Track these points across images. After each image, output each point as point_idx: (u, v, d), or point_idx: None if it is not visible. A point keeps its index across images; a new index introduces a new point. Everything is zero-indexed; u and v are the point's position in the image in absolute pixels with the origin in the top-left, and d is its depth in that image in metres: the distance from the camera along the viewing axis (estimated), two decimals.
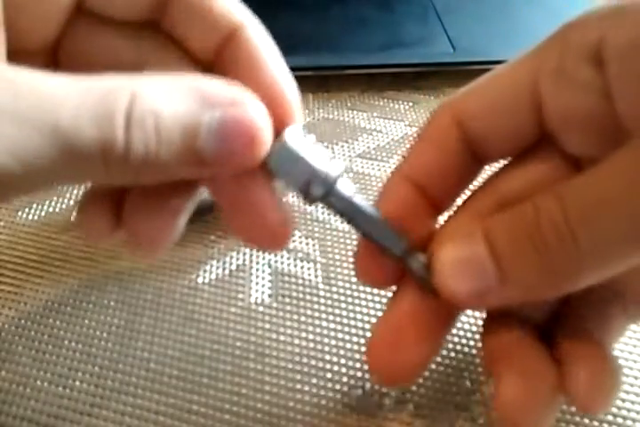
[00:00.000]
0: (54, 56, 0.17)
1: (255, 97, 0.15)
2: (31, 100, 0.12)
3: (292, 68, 0.38)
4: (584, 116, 0.15)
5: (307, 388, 0.22)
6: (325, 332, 0.24)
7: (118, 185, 0.17)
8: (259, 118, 0.14)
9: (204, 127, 0.14)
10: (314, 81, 0.36)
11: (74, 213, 0.25)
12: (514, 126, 0.17)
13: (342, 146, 0.33)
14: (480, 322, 0.24)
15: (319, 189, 0.16)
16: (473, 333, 0.24)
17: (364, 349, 0.23)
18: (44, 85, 0.12)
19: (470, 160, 0.18)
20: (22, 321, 0.24)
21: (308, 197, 0.16)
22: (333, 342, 0.23)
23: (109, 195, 0.17)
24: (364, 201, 0.17)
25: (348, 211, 0.16)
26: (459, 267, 0.15)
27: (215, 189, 0.17)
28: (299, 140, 0.16)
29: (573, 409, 0.21)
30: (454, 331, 0.24)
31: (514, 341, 0.17)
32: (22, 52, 0.15)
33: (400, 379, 0.17)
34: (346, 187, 0.16)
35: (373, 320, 0.24)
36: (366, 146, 0.33)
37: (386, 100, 0.36)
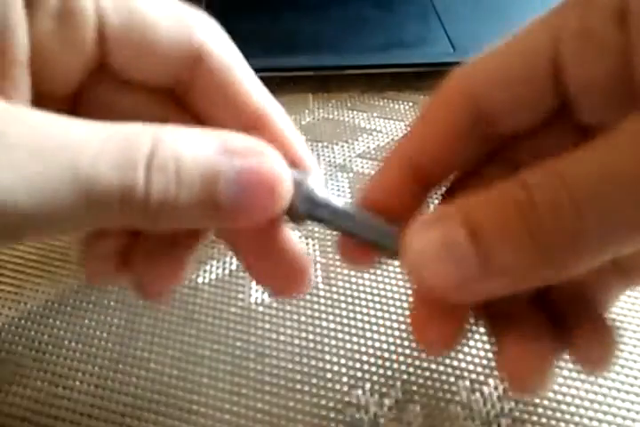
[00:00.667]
0: (74, 104, 0.17)
1: (273, 148, 0.15)
2: (54, 142, 0.12)
3: (293, 69, 0.38)
4: (606, 79, 0.14)
5: (307, 388, 0.22)
6: (325, 332, 0.24)
7: (133, 229, 0.16)
8: (278, 169, 0.14)
9: (224, 175, 0.14)
10: (314, 81, 0.36)
11: (75, 250, 0.23)
12: (531, 96, 0.15)
13: (342, 146, 0.33)
14: None
15: (304, 206, 0.16)
16: (472, 333, 0.24)
17: (364, 348, 0.23)
18: (68, 129, 0.13)
19: (478, 140, 0.16)
20: (22, 321, 0.24)
21: (295, 218, 0.16)
22: (333, 342, 0.23)
23: (117, 236, 0.17)
24: (344, 204, 0.16)
25: (335, 219, 0.16)
26: (432, 254, 0.13)
27: (235, 241, 0.17)
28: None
29: (573, 409, 0.21)
30: None
31: (513, 306, 0.17)
32: (45, 96, 0.15)
33: (441, 347, 0.17)
34: (323, 194, 0.16)
35: (373, 320, 0.24)
36: (366, 146, 0.33)
37: (386, 101, 0.36)
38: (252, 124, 0.17)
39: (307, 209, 0.16)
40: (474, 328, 0.24)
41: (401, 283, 0.25)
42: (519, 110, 0.16)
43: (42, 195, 0.12)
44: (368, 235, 0.16)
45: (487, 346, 0.23)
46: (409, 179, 0.16)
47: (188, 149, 0.14)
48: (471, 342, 0.23)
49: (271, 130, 0.17)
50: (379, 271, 0.26)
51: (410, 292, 0.25)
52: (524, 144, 0.16)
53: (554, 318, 0.17)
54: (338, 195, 0.29)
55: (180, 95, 0.17)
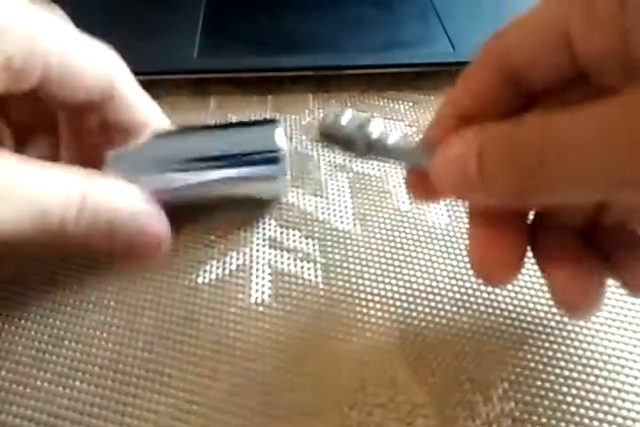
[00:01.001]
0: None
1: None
2: (20, 189, 0.19)
3: (292, 69, 0.38)
4: (608, 52, 0.16)
5: (307, 388, 0.22)
6: (325, 332, 0.24)
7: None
8: (163, 232, 0.23)
9: (127, 230, 0.22)
10: (314, 81, 0.36)
11: None
12: (552, 61, 0.17)
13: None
14: (476, 322, 0.24)
15: (363, 144, 0.21)
16: (473, 333, 0.24)
17: (364, 349, 0.23)
18: (33, 180, 0.19)
19: (512, 94, 0.19)
20: (22, 321, 0.24)
21: (358, 153, 0.21)
22: (333, 343, 0.23)
23: None
24: (398, 138, 0.21)
25: (388, 152, 0.21)
26: (446, 162, 0.17)
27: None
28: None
29: (573, 409, 0.21)
30: (453, 331, 0.24)
31: (561, 242, 0.19)
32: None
33: (499, 279, 0.20)
34: (380, 131, 0.21)
35: (373, 320, 0.24)
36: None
37: (386, 101, 0.36)
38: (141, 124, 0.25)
39: (366, 146, 0.21)
40: (474, 328, 0.24)
41: (401, 283, 0.25)
42: (543, 72, 0.18)
43: (10, 223, 0.19)
44: (415, 162, 0.20)
45: (487, 346, 0.23)
46: (459, 125, 0.19)
47: (105, 200, 0.21)
48: (471, 342, 0.23)
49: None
50: (379, 271, 0.26)
51: (409, 292, 0.25)
52: (552, 100, 0.18)
53: (600, 248, 0.19)
54: (338, 194, 0.29)
55: (88, 110, 0.24)
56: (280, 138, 0.26)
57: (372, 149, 0.21)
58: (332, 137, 0.21)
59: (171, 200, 0.24)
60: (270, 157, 0.26)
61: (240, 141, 0.26)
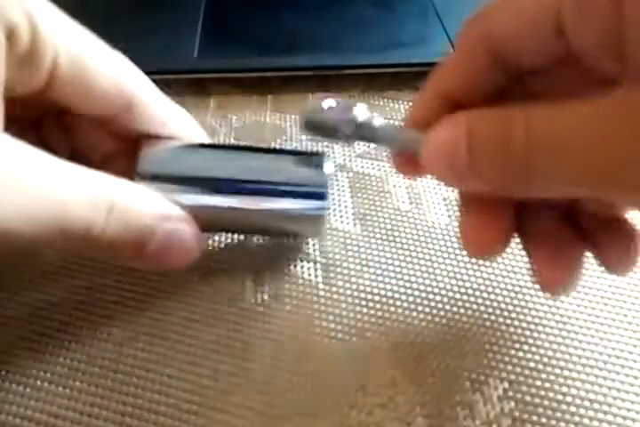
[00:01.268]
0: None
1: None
2: (42, 189, 0.17)
3: (292, 68, 0.38)
4: (600, 41, 0.16)
5: (307, 388, 0.22)
6: (325, 332, 0.24)
7: None
8: (192, 236, 0.21)
9: (156, 234, 0.20)
10: (314, 81, 0.36)
11: None
12: (541, 43, 0.17)
13: (342, 146, 0.33)
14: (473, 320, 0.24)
15: (349, 129, 0.20)
16: (473, 333, 0.24)
17: (363, 348, 0.23)
18: (52, 179, 0.17)
19: (500, 73, 0.19)
20: (22, 321, 0.24)
21: (344, 139, 0.21)
22: (333, 343, 0.23)
23: None
24: (383, 121, 0.21)
25: (375, 136, 0.20)
26: (437, 146, 0.17)
27: None
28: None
29: (573, 409, 0.21)
30: (453, 331, 0.24)
31: (544, 224, 0.20)
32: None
33: (488, 256, 0.20)
34: (365, 115, 0.21)
35: (373, 320, 0.24)
36: (366, 146, 0.33)
37: (386, 100, 0.36)
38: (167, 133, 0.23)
39: (352, 130, 0.20)
40: (474, 328, 0.24)
41: (401, 283, 0.25)
42: (530, 54, 0.18)
43: (31, 223, 0.17)
44: (402, 144, 0.20)
45: (487, 346, 0.23)
46: (443, 107, 0.19)
47: (135, 207, 0.20)
48: (471, 342, 0.23)
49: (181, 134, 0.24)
50: (379, 271, 0.26)
51: (409, 292, 0.25)
52: (540, 80, 0.19)
53: (582, 229, 0.20)
54: (338, 194, 0.29)
55: (110, 124, 0.23)
56: (329, 172, 0.24)
57: (358, 132, 0.21)
58: (315, 124, 0.21)
59: (199, 220, 0.22)
60: (316, 192, 0.23)
61: (284, 169, 0.23)
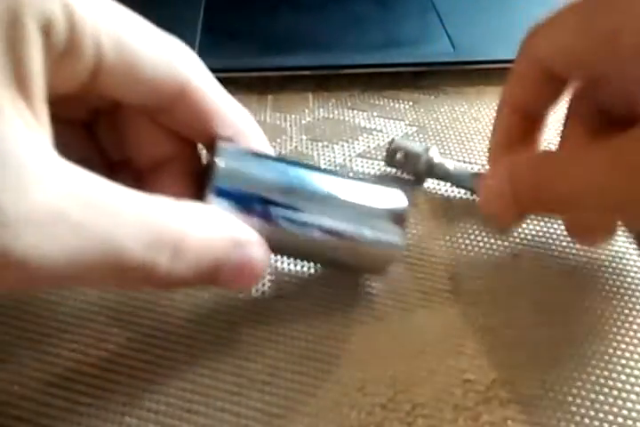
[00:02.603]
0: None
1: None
2: (94, 215, 0.14)
3: (292, 68, 0.38)
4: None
5: (307, 388, 0.22)
6: (325, 332, 0.24)
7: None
8: (263, 258, 0.20)
9: (228, 263, 0.18)
10: (313, 80, 0.36)
11: None
12: (598, 65, 0.21)
13: (342, 145, 0.33)
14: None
15: (424, 168, 0.29)
16: (473, 333, 0.24)
17: (364, 348, 0.23)
18: (109, 203, 0.15)
19: (555, 87, 0.23)
20: (22, 321, 0.24)
21: (419, 178, 0.29)
22: (333, 343, 0.23)
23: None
24: (454, 167, 0.29)
25: (447, 176, 0.29)
26: (489, 194, 0.23)
27: None
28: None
29: (574, 409, 0.21)
30: (454, 331, 0.24)
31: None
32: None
33: (508, 224, 0.27)
34: (438, 160, 0.29)
35: (373, 320, 0.24)
36: (366, 145, 0.33)
37: (386, 100, 0.36)
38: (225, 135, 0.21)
39: (427, 170, 0.29)
40: (474, 328, 0.24)
41: (400, 283, 0.25)
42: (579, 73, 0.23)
43: (77, 265, 0.14)
44: (467, 184, 0.28)
45: (487, 346, 0.23)
46: (521, 119, 0.24)
47: (205, 239, 0.17)
48: (471, 342, 0.23)
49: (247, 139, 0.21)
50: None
51: (408, 293, 0.25)
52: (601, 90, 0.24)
53: None
54: None
55: (161, 117, 0.20)
56: (407, 201, 0.23)
57: (432, 172, 0.28)
58: (398, 154, 0.29)
59: (270, 242, 0.20)
60: (396, 218, 0.22)
61: (365, 194, 0.22)
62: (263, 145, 0.22)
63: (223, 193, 0.19)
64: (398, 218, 0.22)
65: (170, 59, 0.19)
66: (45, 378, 0.22)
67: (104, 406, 0.21)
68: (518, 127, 0.24)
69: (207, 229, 0.18)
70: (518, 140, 0.24)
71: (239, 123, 0.21)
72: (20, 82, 0.14)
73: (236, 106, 0.21)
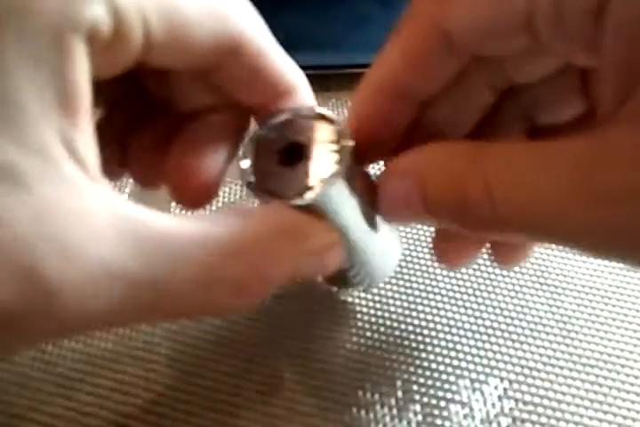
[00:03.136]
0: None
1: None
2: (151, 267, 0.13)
3: None
4: (573, 48, 0.15)
5: (306, 389, 0.22)
6: (325, 333, 0.24)
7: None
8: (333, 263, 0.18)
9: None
10: (315, 80, 0.36)
11: None
12: (505, 37, 0.16)
13: None
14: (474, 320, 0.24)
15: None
16: (473, 332, 0.24)
17: (363, 348, 0.23)
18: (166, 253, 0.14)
19: (454, 64, 0.17)
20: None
21: None
22: (333, 343, 0.23)
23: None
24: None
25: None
26: (392, 199, 0.17)
27: None
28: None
29: (573, 409, 0.21)
30: (454, 331, 0.24)
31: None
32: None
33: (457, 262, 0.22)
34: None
35: (373, 320, 0.24)
36: None
37: None
38: (279, 97, 0.19)
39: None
40: (474, 328, 0.24)
41: (401, 283, 0.25)
42: (490, 46, 0.16)
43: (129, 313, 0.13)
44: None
45: (487, 345, 0.23)
46: (396, 99, 0.18)
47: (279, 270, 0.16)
48: (471, 342, 0.23)
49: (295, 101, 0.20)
50: None
51: (409, 292, 0.25)
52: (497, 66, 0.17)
53: None
54: None
55: (211, 76, 0.19)
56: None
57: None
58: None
59: None
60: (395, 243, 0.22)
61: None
62: (312, 102, 0.21)
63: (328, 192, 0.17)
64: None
65: (220, 18, 0.17)
66: (45, 378, 0.22)
67: (105, 406, 0.21)
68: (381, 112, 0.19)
69: (287, 254, 0.16)
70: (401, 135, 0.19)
71: (295, 79, 0.20)
72: (68, 108, 0.13)
73: (289, 62, 0.20)
